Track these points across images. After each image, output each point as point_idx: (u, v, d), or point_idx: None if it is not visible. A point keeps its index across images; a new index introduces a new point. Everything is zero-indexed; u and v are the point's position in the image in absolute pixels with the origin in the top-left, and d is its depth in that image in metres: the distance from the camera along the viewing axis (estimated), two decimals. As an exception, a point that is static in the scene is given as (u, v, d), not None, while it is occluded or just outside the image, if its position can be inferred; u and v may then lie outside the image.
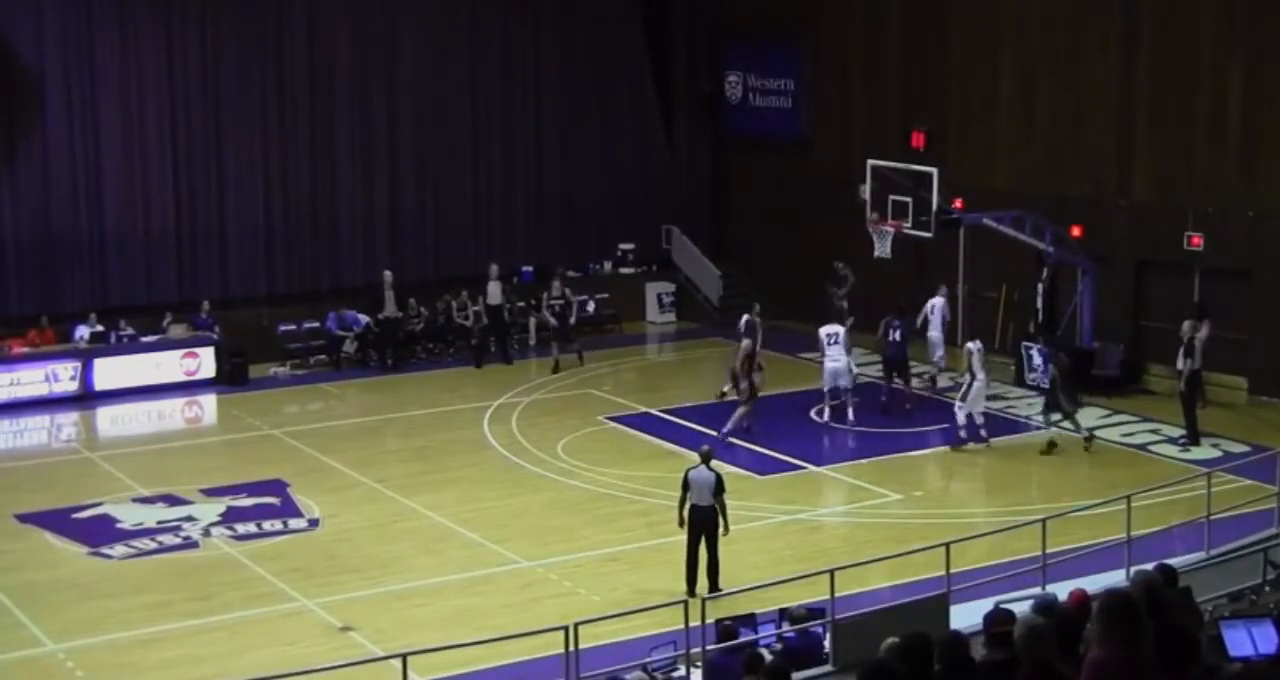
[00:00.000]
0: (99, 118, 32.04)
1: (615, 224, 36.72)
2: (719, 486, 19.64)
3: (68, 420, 29.08)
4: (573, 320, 32.31)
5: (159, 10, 32.57)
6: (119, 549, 21.88)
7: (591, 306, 35.28)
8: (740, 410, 25.91)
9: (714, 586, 19.31)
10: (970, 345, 26.02)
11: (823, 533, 22.05)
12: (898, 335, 27.62)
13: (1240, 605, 15.05)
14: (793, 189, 35.56)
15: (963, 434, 25.50)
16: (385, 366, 31.75)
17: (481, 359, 32.26)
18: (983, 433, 25.50)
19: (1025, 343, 29.52)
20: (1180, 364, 25.63)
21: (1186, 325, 26.61)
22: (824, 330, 27.60)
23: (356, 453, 26.15)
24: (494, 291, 32.41)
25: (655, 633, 17.27)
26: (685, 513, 19.67)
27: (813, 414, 27.46)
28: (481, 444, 26.62)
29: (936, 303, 29.36)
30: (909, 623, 12.62)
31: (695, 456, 20.09)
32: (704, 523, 19.57)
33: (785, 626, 16.81)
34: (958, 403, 25.74)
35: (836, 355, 27.11)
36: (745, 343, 26.33)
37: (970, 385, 25.67)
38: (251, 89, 33.43)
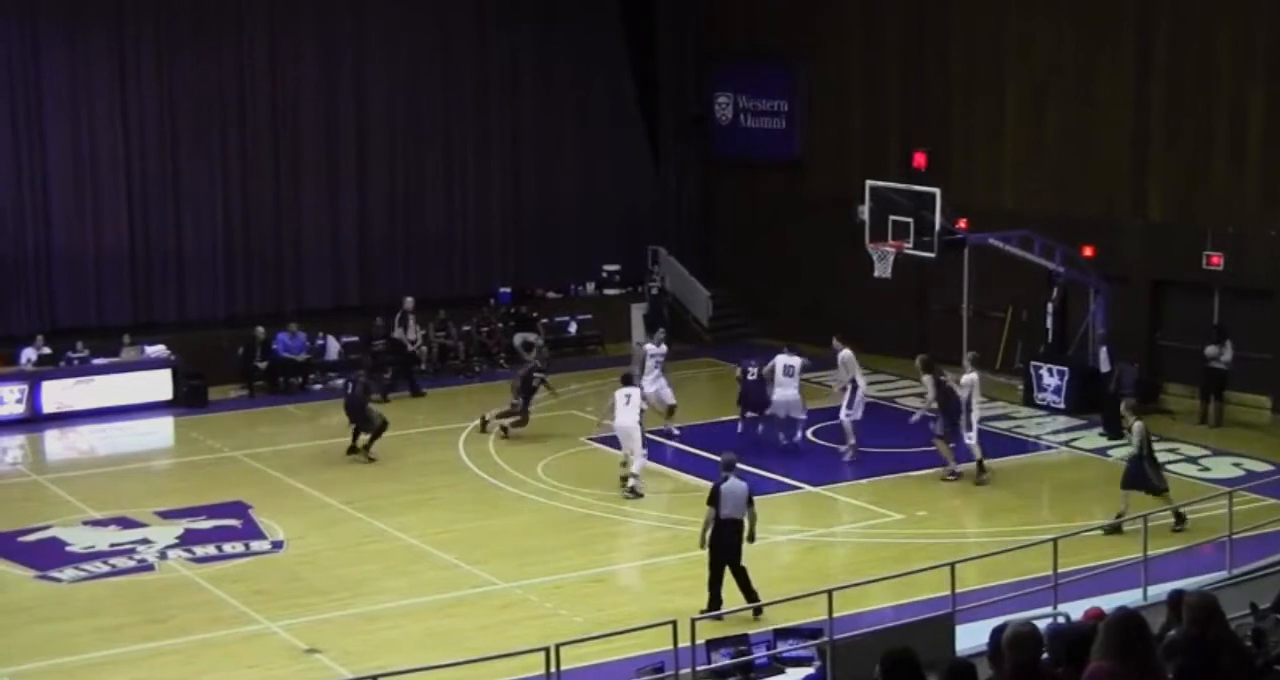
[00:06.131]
0: (45, 134, 32.06)
1: (599, 245, 36.90)
2: (751, 496, 19.44)
3: (14, 443, 29.01)
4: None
5: (109, 23, 32.50)
6: (69, 572, 21.75)
7: (574, 327, 35.83)
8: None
9: (756, 597, 19.10)
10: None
11: (821, 553, 22.02)
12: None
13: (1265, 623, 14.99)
14: (786, 210, 35.89)
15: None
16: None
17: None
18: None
19: (1034, 362, 29.85)
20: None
21: (1210, 349, 27.82)
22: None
23: (323, 475, 26.10)
24: None
25: (641, 654, 17.24)
26: (710, 531, 19.23)
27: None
28: (456, 465, 26.62)
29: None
30: (912, 643, 12.51)
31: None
32: (737, 537, 19.18)
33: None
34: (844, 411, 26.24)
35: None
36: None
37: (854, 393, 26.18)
38: (211, 103, 33.47)
